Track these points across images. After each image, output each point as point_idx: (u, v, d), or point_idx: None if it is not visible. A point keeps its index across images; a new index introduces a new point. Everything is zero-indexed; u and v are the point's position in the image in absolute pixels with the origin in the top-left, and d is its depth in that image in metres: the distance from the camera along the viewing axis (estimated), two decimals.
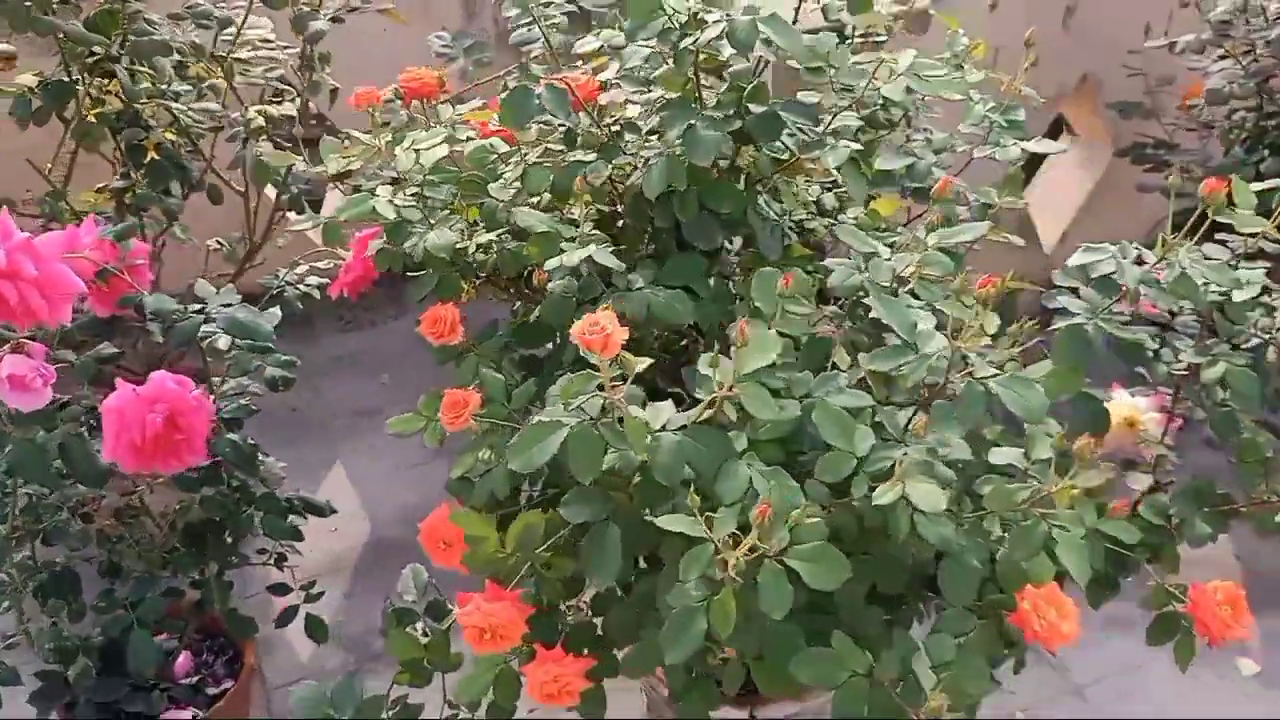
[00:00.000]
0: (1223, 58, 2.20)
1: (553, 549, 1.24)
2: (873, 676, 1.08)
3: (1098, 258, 1.29)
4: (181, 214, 2.01)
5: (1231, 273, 1.31)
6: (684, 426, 1.05)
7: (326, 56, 1.83)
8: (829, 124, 1.27)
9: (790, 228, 1.44)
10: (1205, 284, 1.36)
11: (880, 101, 1.56)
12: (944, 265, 1.35)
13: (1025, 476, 1.10)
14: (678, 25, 1.16)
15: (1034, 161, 2.95)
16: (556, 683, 1.22)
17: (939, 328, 1.15)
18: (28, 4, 1.62)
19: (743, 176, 1.36)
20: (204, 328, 1.49)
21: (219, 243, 2.08)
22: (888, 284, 1.28)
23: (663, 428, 1.06)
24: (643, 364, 1.01)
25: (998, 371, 1.08)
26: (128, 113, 1.90)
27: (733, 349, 1.06)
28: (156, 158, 1.95)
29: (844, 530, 1.13)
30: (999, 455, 1.11)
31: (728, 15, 1.13)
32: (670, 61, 1.19)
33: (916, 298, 1.29)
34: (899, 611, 1.29)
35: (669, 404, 1.09)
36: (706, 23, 1.14)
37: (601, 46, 1.26)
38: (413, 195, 1.37)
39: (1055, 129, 2.95)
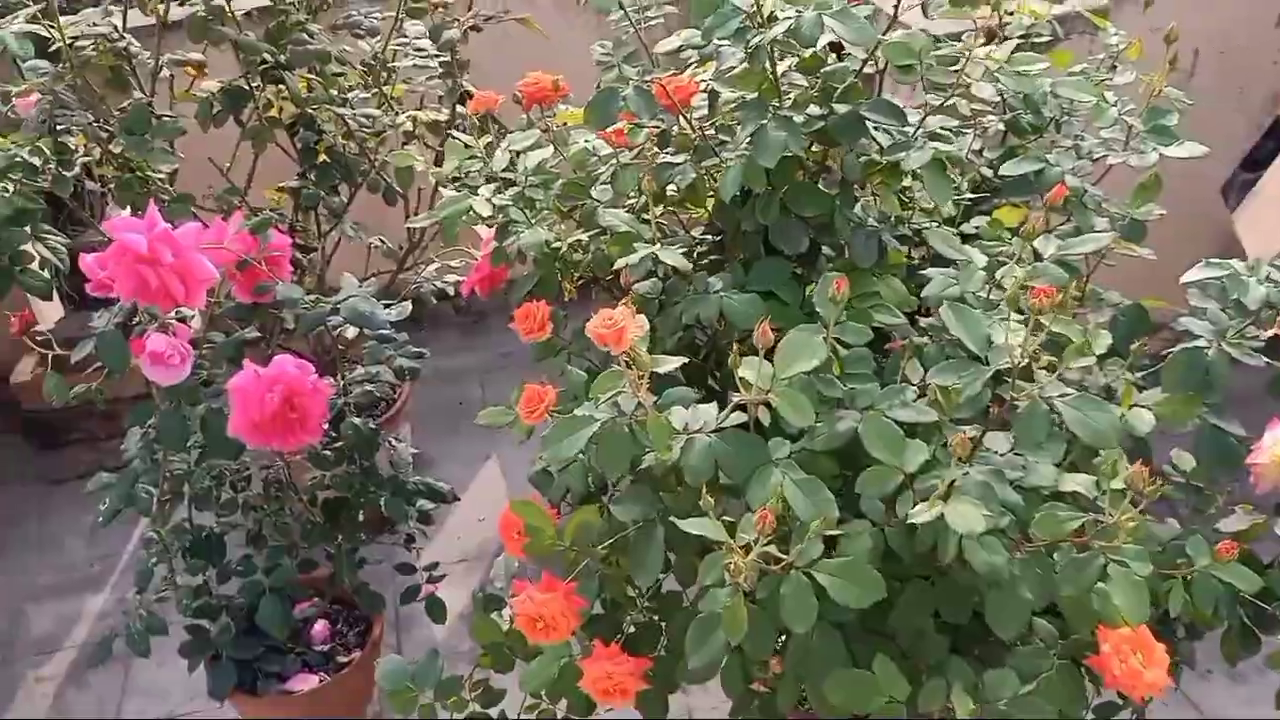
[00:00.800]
0: None
1: (614, 548, 1.24)
2: (912, 705, 1.02)
3: (1219, 273, 1.17)
4: (353, 212, 2.15)
5: None
6: (718, 430, 1.03)
7: (465, 63, 1.92)
8: (920, 124, 1.21)
9: (900, 235, 1.38)
10: None
11: (1021, 106, 1.50)
12: (1056, 278, 1.27)
13: (1094, 507, 1.01)
14: (753, 24, 1.14)
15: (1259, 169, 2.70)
16: (610, 679, 1.23)
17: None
18: (205, 15, 1.78)
19: (838, 180, 1.32)
20: (331, 319, 1.59)
21: (381, 241, 2.20)
22: (980, 294, 1.21)
23: (699, 430, 1.04)
24: (671, 363, 1.00)
25: (1068, 391, 1.00)
26: (303, 118, 2.06)
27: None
28: (326, 160, 2.10)
29: (903, 552, 1.08)
30: (1069, 483, 1.02)
31: (798, 10, 1.10)
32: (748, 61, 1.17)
33: (1020, 312, 1.21)
34: (983, 646, 1.21)
35: (711, 407, 1.07)
36: (777, 19, 1.11)
37: (681, 46, 1.25)
38: (513, 195, 1.40)
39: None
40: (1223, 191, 2.51)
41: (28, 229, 1.64)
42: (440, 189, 2.07)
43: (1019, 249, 1.26)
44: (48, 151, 1.78)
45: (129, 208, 1.96)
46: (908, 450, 1.02)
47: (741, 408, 1.04)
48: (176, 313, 1.52)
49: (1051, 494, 1.03)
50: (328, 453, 1.76)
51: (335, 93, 2.01)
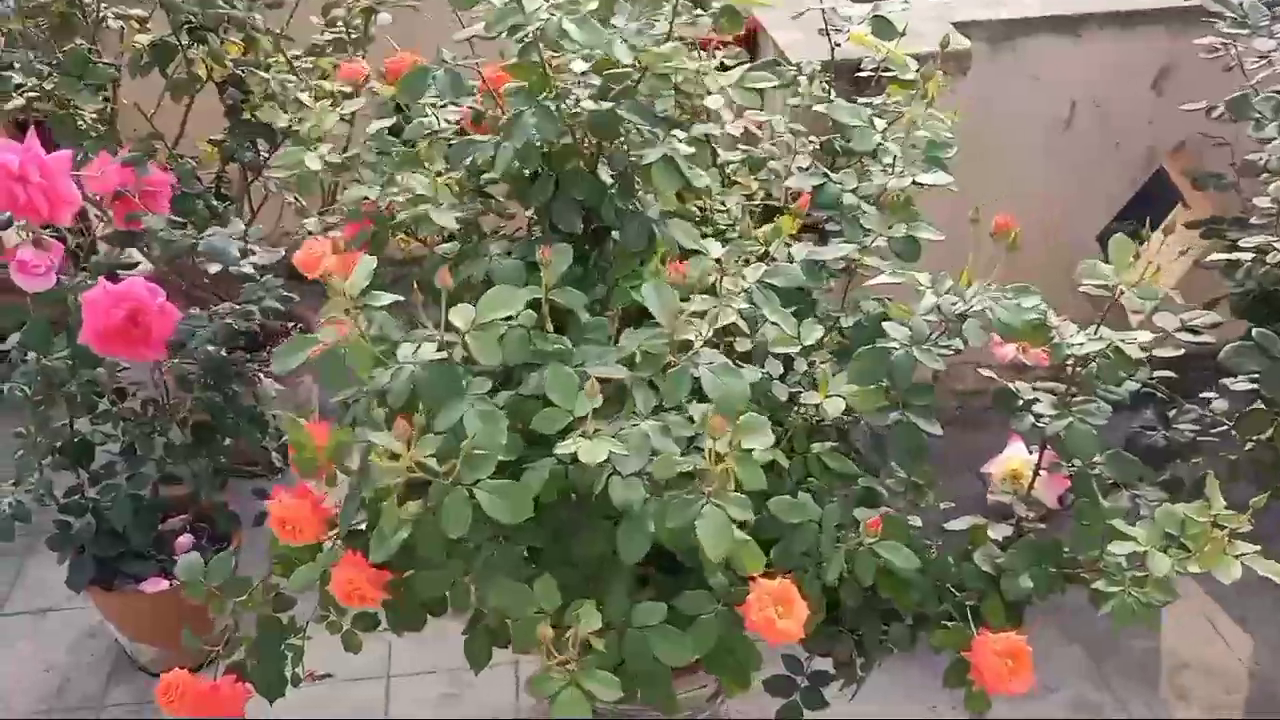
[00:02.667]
0: None
1: None
2: (559, 618, 1.17)
3: (895, 280, 1.32)
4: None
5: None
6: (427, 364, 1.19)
7: (361, 41, 2.10)
8: (665, 128, 1.37)
9: None
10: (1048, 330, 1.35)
11: (836, 132, 1.66)
12: (792, 277, 1.42)
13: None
14: (523, 21, 1.31)
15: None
16: (351, 584, 1.39)
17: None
18: None
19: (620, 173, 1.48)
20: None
21: (295, 198, 2.39)
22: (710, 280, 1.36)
23: (410, 362, 1.20)
24: (385, 299, 1.17)
25: (713, 361, 1.16)
26: (232, 78, 2.25)
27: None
28: (249, 118, 2.29)
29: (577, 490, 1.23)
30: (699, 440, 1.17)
31: (550, 15, 1.27)
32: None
33: (752, 303, 1.37)
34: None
35: (431, 347, 1.23)
36: (537, 19, 1.28)
37: (474, 36, 1.42)
38: (346, 157, 1.58)
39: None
40: (1099, 239, 2.63)
41: None
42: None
43: (759, 247, 1.42)
44: None
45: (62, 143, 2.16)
46: (579, 399, 1.18)
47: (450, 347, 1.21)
48: (54, 230, 1.72)
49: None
50: (193, 376, 1.94)
51: (260, 57, 2.20)
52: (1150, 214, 2.82)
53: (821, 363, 1.37)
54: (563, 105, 1.36)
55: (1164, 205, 2.82)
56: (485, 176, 1.55)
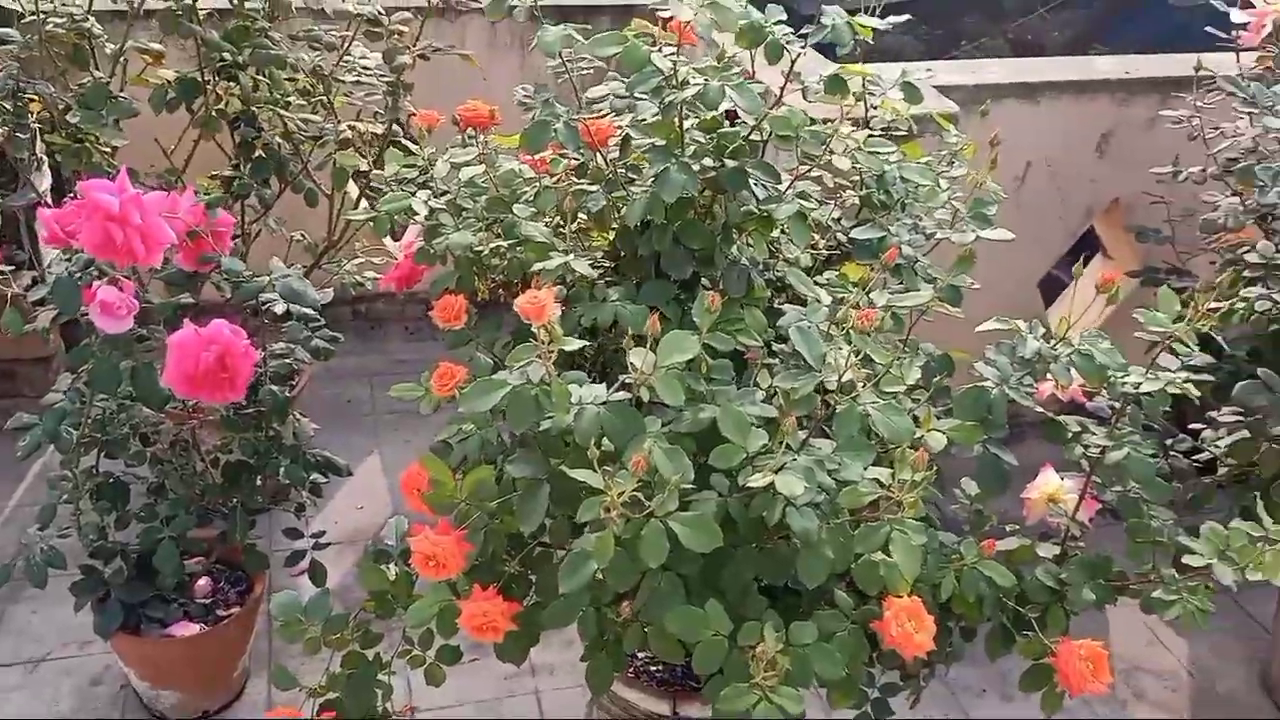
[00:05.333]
0: (1235, 194, 2.34)
1: (503, 507, 1.46)
2: (733, 640, 1.27)
3: (1002, 327, 1.49)
4: (275, 208, 2.34)
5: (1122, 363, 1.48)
6: (606, 402, 1.28)
7: (409, 85, 2.15)
8: (790, 184, 1.50)
9: (767, 279, 1.66)
10: (1117, 373, 1.54)
11: (874, 185, 1.81)
12: (881, 322, 1.57)
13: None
14: (667, 84, 1.41)
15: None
16: (485, 617, 1.44)
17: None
18: (177, 11, 1.97)
19: (720, 223, 1.59)
20: (264, 295, 1.78)
21: (302, 235, 2.39)
22: (822, 326, 1.49)
23: (591, 401, 1.28)
24: (575, 344, 1.25)
25: (877, 400, 1.28)
26: (246, 114, 2.25)
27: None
28: (262, 155, 2.28)
29: (740, 521, 1.34)
30: (873, 472, 1.30)
31: (706, 79, 1.38)
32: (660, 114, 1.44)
33: (850, 342, 1.50)
34: (795, 613, 1.47)
35: (601, 386, 1.31)
36: (689, 83, 1.39)
37: (606, 95, 1.52)
38: (445, 201, 1.64)
39: (1091, 248, 3.10)
40: (1040, 287, 2.91)
41: None
42: (366, 195, 2.29)
43: (856, 296, 1.56)
44: (9, 109, 1.93)
45: (71, 175, 2.12)
46: (751, 435, 1.29)
47: (627, 387, 1.29)
48: (128, 270, 1.70)
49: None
50: (238, 417, 1.93)
51: (280, 95, 2.21)
52: (1081, 263, 3.14)
53: (924, 401, 1.51)
54: (693, 162, 1.46)
55: (1090, 256, 3.14)
56: (582, 222, 1.64)
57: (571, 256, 1.47)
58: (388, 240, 2.25)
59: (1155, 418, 1.77)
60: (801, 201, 1.48)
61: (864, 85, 1.87)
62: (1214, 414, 1.91)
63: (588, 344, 1.32)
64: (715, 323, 1.41)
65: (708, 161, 1.51)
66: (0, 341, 1.90)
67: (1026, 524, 1.79)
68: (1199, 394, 1.53)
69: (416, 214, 1.62)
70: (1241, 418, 1.87)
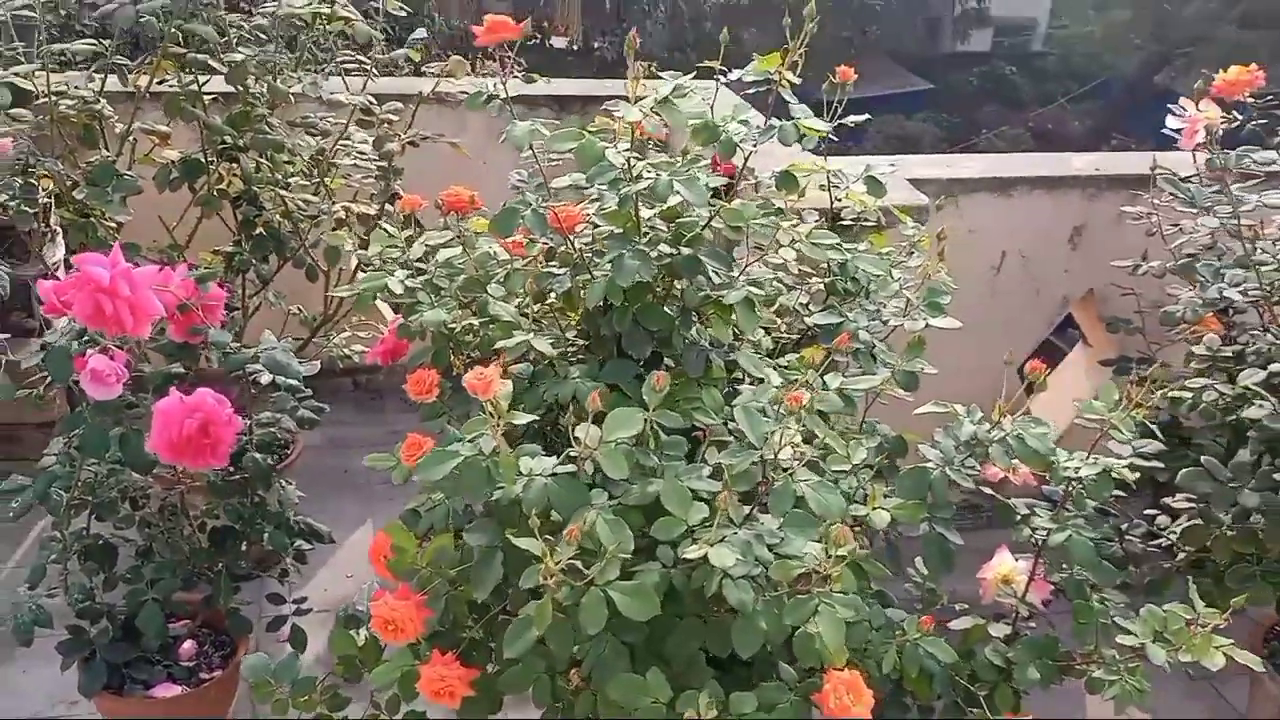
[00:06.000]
0: (1193, 287, 2.41)
1: (463, 574, 1.53)
2: (671, 708, 1.32)
3: (940, 410, 1.56)
4: (276, 283, 2.45)
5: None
6: (554, 474, 1.35)
7: (399, 170, 2.27)
8: (742, 272, 1.59)
9: (729, 360, 1.74)
10: (1056, 458, 1.60)
11: (839, 273, 1.90)
12: (832, 404, 1.64)
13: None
14: (625, 177, 1.51)
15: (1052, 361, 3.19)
16: (442, 681, 1.49)
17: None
18: (181, 96, 2.10)
19: (680, 306, 1.68)
20: (250, 366, 1.87)
21: (299, 309, 2.50)
22: (769, 406, 1.56)
23: (540, 473, 1.35)
24: (524, 418, 1.32)
25: (812, 477, 1.35)
26: (248, 193, 2.37)
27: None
28: (263, 232, 2.40)
29: (684, 592, 1.40)
30: (810, 548, 1.36)
31: (657, 173, 1.48)
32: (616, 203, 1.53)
33: (799, 422, 1.57)
34: (740, 683, 1.51)
35: (552, 459, 1.38)
36: (642, 177, 1.48)
37: (571, 185, 1.62)
38: (423, 281, 1.73)
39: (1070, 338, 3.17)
40: (1019, 371, 2.97)
41: None
42: (361, 269, 2.39)
43: (808, 378, 1.63)
44: (17, 186, 2.05)
45: (78, 248, 2.23)
46: (693, 509, 1.35)
47: (573, 460, 1.36)
48: (117, 340, 1.79)
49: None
50: (224, 483, 2.01)
51: (280, 177, 2.33)
52: (1060, 351, 3.22)
53: (869, 480, 1.57)
54: (649, 249, 1.55)
55: (1070, 345, 3.21)
56: (556, 303, 1.73)
57: (533, 335, 1.55)
58: (388, 312, 2.35)
59: (1107, 502, 1.83)
60: (751, 289, 1.56)
61: (829, 179, 1.98)
62: (1168, 500, 1.96)
63: (535, 419, 1.39)
64: (667, 401, 1.48)
65: (665, 248, 1.60)
66: (4, 405, 1.99)
67: (983, 603, 1.84)
68: (1135, 479, 1.58)
69: (393, 292, 1.71)
70: (1194, 504, 1.92)
